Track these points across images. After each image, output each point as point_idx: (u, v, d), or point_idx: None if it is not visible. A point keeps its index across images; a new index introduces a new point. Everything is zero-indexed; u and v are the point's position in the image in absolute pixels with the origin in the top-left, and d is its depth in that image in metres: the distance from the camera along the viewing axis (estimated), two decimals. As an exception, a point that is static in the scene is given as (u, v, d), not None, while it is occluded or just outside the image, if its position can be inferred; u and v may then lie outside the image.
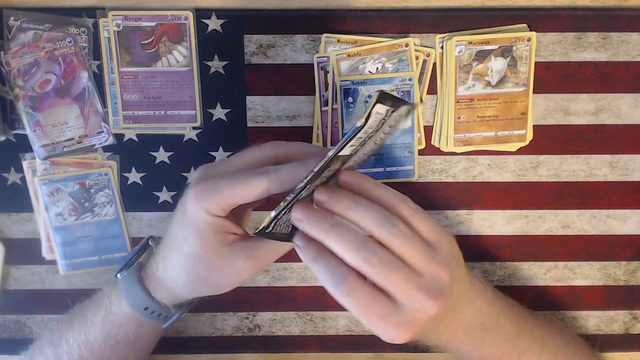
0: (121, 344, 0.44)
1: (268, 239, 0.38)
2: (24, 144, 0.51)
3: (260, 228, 0.36)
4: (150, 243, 0.46)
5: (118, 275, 0.44)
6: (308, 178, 0.34)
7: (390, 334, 0.35)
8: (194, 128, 0.52)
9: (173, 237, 0.40)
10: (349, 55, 0.50)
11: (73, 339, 0.44)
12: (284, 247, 0.39)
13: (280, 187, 0.36)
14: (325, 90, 0.51)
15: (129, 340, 0.44)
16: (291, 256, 0.53)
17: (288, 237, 0.38)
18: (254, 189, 0.36)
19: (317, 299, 0.54)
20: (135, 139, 0.52)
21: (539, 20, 0.50)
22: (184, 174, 0.52)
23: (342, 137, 0.41)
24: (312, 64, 0.51)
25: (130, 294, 0.43)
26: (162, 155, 0.52)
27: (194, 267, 0.39)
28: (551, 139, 0.52)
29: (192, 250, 0.39)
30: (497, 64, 0.50)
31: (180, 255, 0.40)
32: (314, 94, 0.51)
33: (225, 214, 0.38)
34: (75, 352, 0.44)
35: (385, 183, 0.52)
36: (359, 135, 0.33)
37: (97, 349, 0.44)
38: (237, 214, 0.41)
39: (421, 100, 0.36)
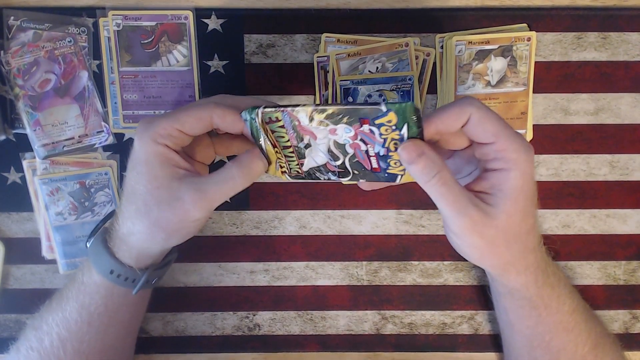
0: (95, 317, 0.44)
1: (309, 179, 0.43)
2: (24, 144, 0.51)
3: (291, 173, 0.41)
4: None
5: (87, 244, 0.44)
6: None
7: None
8: (194, 127, 0.52)
9: (127, 187, 0.41)
10: (348, 55, 0.50)
11: (52, 319, 0.44)
12: (230, 184, 0.39)
13: (223, 115, 0.39)
14: (325, 90, 0.51)
15: (102, 313, 0.44)
16: (291, 256, 0.53)
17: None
18: (199, 110, 0.39)
19: (317, 299, 0.54)
20: (135, 138, 0.52)
21: (539, 20, 0.50)
22: (184, 174, 0.52)
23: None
24: (312, 64, 0.51)
25: (96, 258, 0.43)
26: (162, 155, 0.52)
27: (146, 208, 0.39)
28: (551, 139, 0.52)
29: (143, 189, 0.39)
30: (497, 64, 0.50)
31: (135, 201, 0.40)
32: (313, 93, 0.51)
33: (174, 144, 0.39)
34: (55, 331, 0.44)
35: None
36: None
37: (73, 325, 0.43)
38: (190, 162, 0.43)
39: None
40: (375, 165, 0.40)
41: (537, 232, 0.42)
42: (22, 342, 0.45)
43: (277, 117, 0.38)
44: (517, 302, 0.44)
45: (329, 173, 0.41)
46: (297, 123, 0.38)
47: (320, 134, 0.39)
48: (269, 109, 0.38)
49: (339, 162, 0.40)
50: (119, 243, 0.42)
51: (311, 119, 0.38)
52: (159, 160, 0.39)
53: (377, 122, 0.36)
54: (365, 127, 0.37)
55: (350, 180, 0.41)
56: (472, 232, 0.38)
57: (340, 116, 0.37)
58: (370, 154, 0.39)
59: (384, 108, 0.35)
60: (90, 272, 0.43)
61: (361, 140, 0.38)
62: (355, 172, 0.40)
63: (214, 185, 0.39)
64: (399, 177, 0.40)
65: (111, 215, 0.45)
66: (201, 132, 0.40)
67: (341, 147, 0.39)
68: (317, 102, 0.52)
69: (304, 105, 0.37)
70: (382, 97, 0.50)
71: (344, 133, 0.38)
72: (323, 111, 0.37)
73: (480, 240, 0.38)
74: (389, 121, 0.36)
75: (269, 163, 0.41)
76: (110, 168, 0.52)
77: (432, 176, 0.37)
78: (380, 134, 0.37)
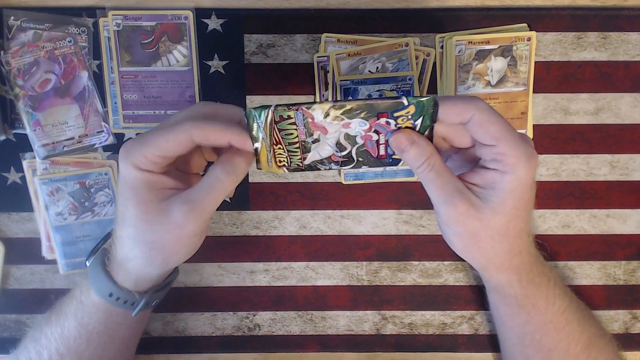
0: (94, 335, 0.44)
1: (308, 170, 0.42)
2: (24, 144, 0.51)
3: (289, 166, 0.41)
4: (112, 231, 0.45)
5: (87, 263, 0.44)
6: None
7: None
8: (194, 127, 0.52)
9: (118, 212, 0.40)
10: (348, 55, 0.50)
11: (50, 333, 0.44)
12: (217, 187, 0.38)
13: (203, 134, 0.37)
14: (325, 90, 0.51)
15: (101, 331, 0.44)
16: (291, 256, 0.53)
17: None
18: (177, 133, 0.37)
19: (317, 299, 0.54)
20: (135, 138, 0.52)
21: (539, 19, 0.50)
22: (184, 174, 0.52)
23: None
24: (312, 64, 0.51)
25: (95, 280, 0.42)
26: (162, 155, 0.52)
27: (139, 233, 0.39)
28: (551, 139, 0.52)
29: (133, 215, 0.39)
30: (497, 64, 0.50)
31: (126, 227, 0.39)
32: (313, 93, 0.51)
33: (158, 168, 0.38)
34: (53, 346, 0.44)
35: (385, 182, 0.53)
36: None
37: (72, 342, 0.43)
38: (182, 178, 0.42)
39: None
40: (382, 152, 0.40)
41: (528, 237, 0.41)
42: (22, 352, 0.45)
43: (288, 115, 0.37)
44: (503, 300, 0.45)
45: (332, 163, 0.41)
46: (310, 120, 0.38)
47: (332, 128, 0.38)
48: (280, 108, 0.37)
49: (345, 152, 0.40)
50: (117, 268, 0.42)
51: (326, 115, 0.37)
52: (146, 186, 0.38)
53: (395, 114, 0.37)
54: (382, 120, 0.37)
55: (352, 167, 0.41)
56: (457, 221, 0.38)
57: (359, 111, 0.37)
58: (381, 142, 0.39)
59: (405, 102, 0.36)
60: (89, 291, 0.43)
61: (374, 131, 0.38)
62: (360, 159, 0.40)
63: (201, 192, 0.38)
64: (402, 162, 0.41)
65: (109, 235, 0.45)
66: (184, 152, 0.39)
67: (351, 138, 0.39)
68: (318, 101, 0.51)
69: (321, 102, 0.37)
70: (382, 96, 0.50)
71: (358, 126, 0.38)
72: (341, 107, 0.37)
73: (463, 229, 0.39)
74: (407, 112, 0.37)
75: (257, 160, 0.40)
76: (111, 168, 0.52)
77: (421, 162, 0.38)
78: (396, 124, 0.38)
